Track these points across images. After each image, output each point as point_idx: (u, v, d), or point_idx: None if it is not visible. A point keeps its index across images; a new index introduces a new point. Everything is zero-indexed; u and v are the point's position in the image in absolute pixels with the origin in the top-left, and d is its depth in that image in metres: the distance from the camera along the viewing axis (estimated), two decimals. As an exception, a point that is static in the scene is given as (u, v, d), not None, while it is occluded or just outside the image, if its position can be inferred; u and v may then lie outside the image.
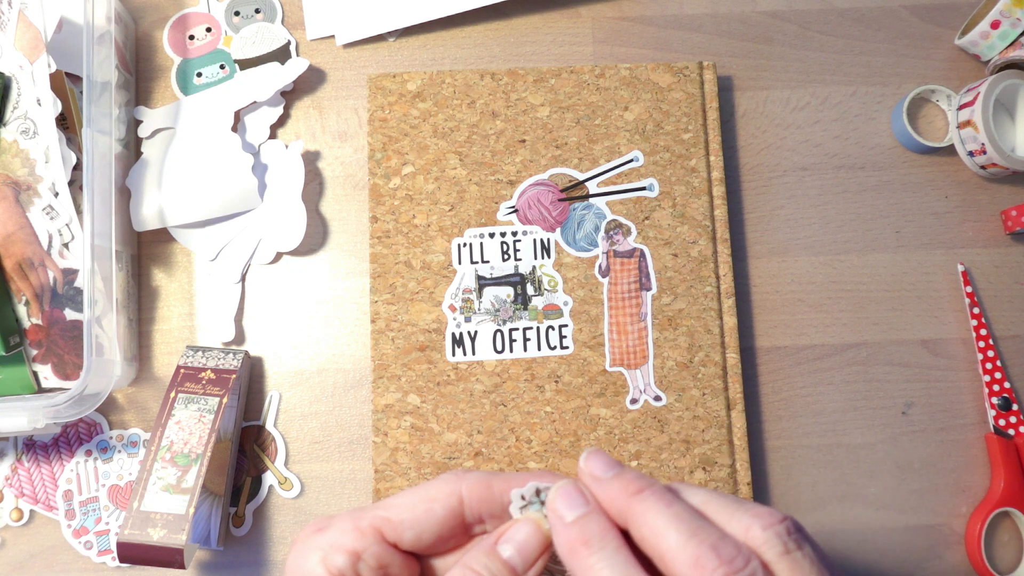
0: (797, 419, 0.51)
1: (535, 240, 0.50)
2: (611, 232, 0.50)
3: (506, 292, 0.50)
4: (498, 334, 0.49)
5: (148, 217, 0.51)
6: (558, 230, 0.50)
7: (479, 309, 0.49)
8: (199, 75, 0.55)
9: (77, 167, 0.49)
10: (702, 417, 0.48)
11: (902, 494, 0.51)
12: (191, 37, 0.55)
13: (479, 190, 0.51)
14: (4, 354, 0.48)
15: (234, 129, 0.53)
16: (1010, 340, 0.53)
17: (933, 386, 0.52)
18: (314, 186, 0.54)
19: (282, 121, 0.55)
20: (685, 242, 0.50)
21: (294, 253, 0.53)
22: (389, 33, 0.56)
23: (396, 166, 0.51)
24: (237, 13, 0.56)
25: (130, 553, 0.43)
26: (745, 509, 0.26)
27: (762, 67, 0.56)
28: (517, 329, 0.49)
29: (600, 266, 0.50)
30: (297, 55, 0.55)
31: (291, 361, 0.52)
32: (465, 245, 0.50)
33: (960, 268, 0.53)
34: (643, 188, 0.51)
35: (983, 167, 0.53)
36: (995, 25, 0.52)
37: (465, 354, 0.49)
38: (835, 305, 0.53)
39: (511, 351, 0.49)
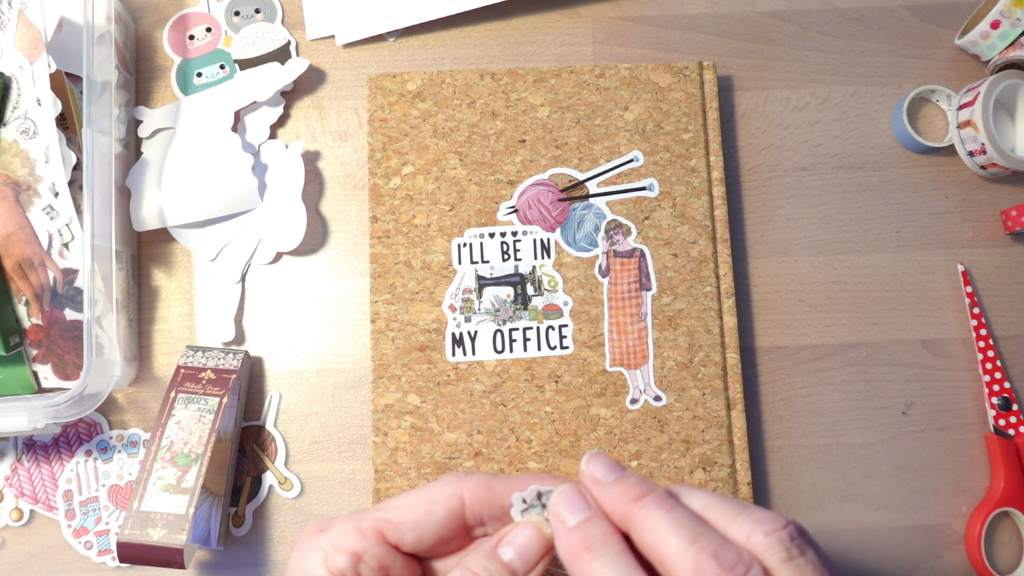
0: (797, 419, 0.51)
1: (535, 240, 0.50)
2: (611, 232, 0.50)
3: (506, 292, 0.50)
4: (498, 334, 0.49)
5: (148, 217, 0.51)
6: (558, 230, 0.50)
7: (479, 309, 0.49)
8: (199, 75, 0.55)
9: (77, 167, 0.49)
10: (702, 417, 0.48)
11: (902, 494, 0.51)
12: (191, 37, 0.55)
13: (479, 190, 0.51)
14: (4, 354, 0.48)
15: (234, 129, 0.53)
16: (1010, 340, 0.53)
17: (933, 386, 0.52)
18: (314, 186, 0.54)
19: (282, 121, 0.55)
20: (685, 242, 0.50)
21: (294, 253, 0.53)
22: (389, 33, 0.56)
23: (396, 166, 0.51)
24: (237, 13, 0.56)
25: (130, 553, 0.43)
26: (748, 514, 0.26)
27: (762, 67, 0.56)
28: (517, 329, 0.49)
29: (600, 266, 0.50)
30: (297, 55, 0.55)
31: (291, 361, 0.52)
32: (465, 245, 0.50)
33: (960, 268, 0.53)
34: (643, 188, 0.51)
35: (983, 167, 0.53)
36: (995, 25, 0.52)
37: (465, 354, 0.49)
38: (835, 305, 0.53)
39: (511, 351, 0.49)
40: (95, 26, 0.46)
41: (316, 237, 0.53)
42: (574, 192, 0.51)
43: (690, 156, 0.51)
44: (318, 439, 0.51)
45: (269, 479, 0.50)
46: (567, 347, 0.49)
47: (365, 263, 0.53)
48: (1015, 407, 0.51)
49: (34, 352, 0.50)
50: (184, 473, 0.45)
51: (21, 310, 0.49)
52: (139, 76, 0.55)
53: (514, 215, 0.51)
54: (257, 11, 0.56)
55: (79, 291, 0.49)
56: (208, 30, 0.55)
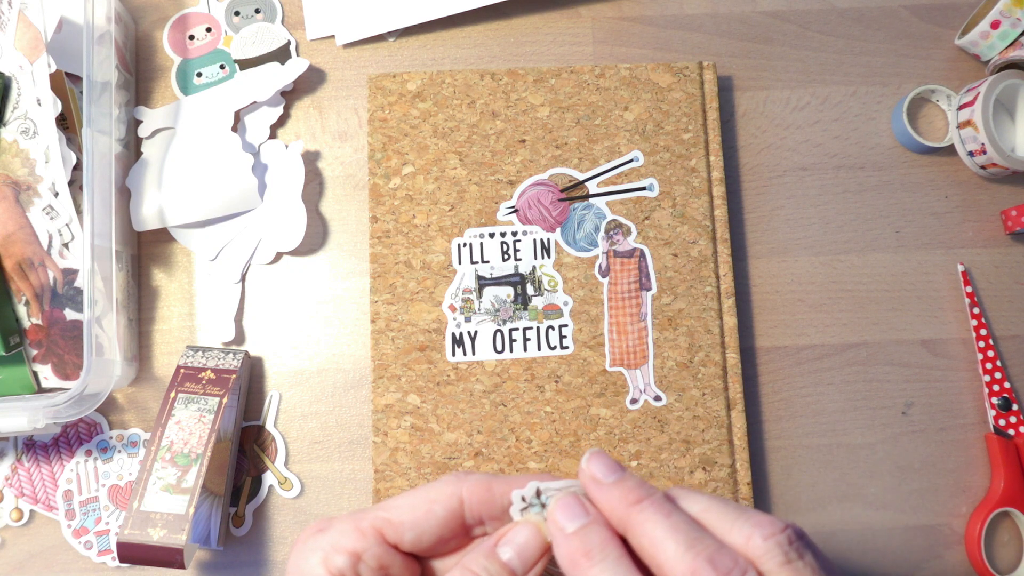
0: (797, 419, 0.51)
1: (535, 240, 0.50)
2: (611, 232, 0.50)
3: (506, 292, 0.50)
4: (498, 334, 0.49)
5: (148, 217, 0.51)
6: (558, 230, 0.50)
7: (479, 309, 0.49)
8: (199, 75, 0.55)
9: (77, 167, 0.49)
10: (702, 417, 0.48)
11: (902, 494, 0.51)
12: (191, 37, 0.55)
13: (479, 190, 0.51)
14: (4, 354, 0.48)
15: (234, 129, 0.53)
16: (1010, 340, 0.53)
17: (933, 386, 0.52)
18: (314, 186, 0.54)
19: (282, 121, 0.55)
20: (685, 242, 0.50)
21: (294, 253, 0.53)
22: (389, 33, 0.56)
23: (396, 166, 0.51)
24: (237, 13, 0.56)
25: (130, 553, 0.43)
26: (746, 518, 0.26)
27: (762, 67, 0.56)
28: (517, 329, 0.49)
29: (600, 266, 0.50)
30: (297, 55, 0.55)
31: (291, 361, 0.52)
32: (465, 245, 0.50)
33: (960, 268, 0.53)
34: (643, 188, 0.51)
35: (983, 167, 0.53)
36: (995, 25, 0.52)
37: (465, 354, 0.49)
38: (835, 305, 0.53)
39: (511, 351, 0.49)
40: (95, 26, 0.46)
41: (316, 237, 0.53)
42: (574, 192, 0.51)
43: (690, 156, 0.51)
44: (318, 439, 0.51)
45: (269, 479, 0.50)
46: (567, 347, 0.49)
47: (365, 263, 0.53)
48: (1015, 407, 0.51)
49: (34, 352, 0.50)
50: (184, 473, 0.45)
51: (21, 310, 0.49)
52: (139, 76, 0.55)
53: (514, 215, 0.51)
54: (257, 11, 0.56)
55: (79, 291, 0.49)
56: (208, 30, 0.55)
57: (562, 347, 0.49)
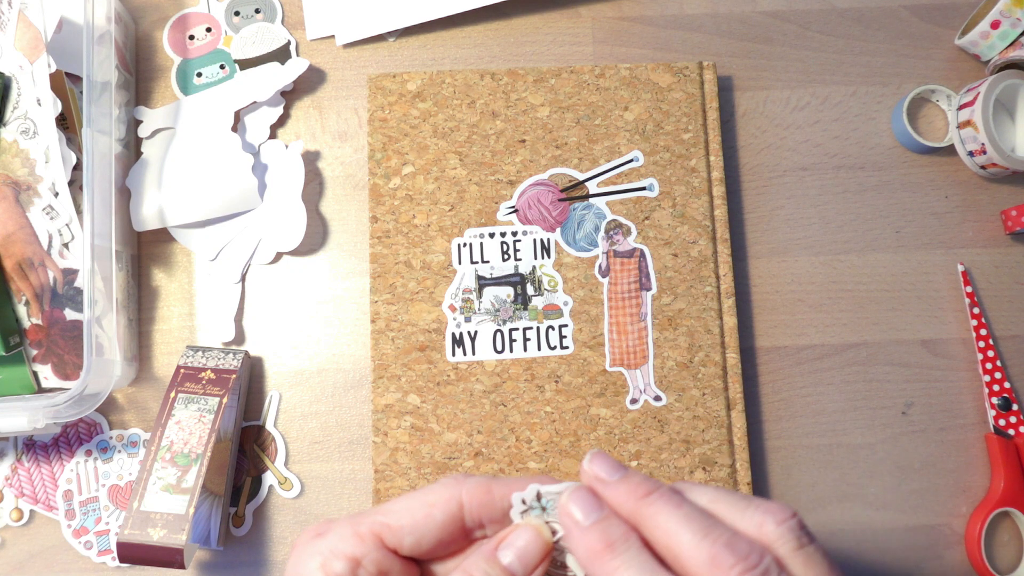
0: (797, 419, 0.51)
1: (535, 240, 0.50)
2: (611, 232, 0.50)
3: (506, 292, 0.50)
4: (498, 334, 0.49)
5: (148, 217, 0.51)
6: (558, 230, 0.50)
7: (479, 309, 0.49)
8: (199, 75, 0.55)
9: (77, 167, 0.49)
10: (702, 417, 0.48)
11: (902, 494, 0.51)
12: (191, 37, 0.55)
13: (479, 190, 0.51)
14: (4, 354, 0.48)
15: (234, 129, 0.53)
16: (1010, 340, 0.53)
17: (933, 386, 0.52)
18: (314, 186, 0.54)
19: (282, 121, 0.55)
20: (685, 242, 0.50)
21: (294, 253, 0.53)
22: (389, 33, 0.56)
23: (396, 166, 0.51)
24: (237, 13, 0.56)
25: (130, 553, 0.43)
26: (755, 506, 0.27)
27: (762, 67, 0.56)
28: (517, 329, 0.49)
29: (600, 266, 0.50)
30: (297, 55, 0.55)
31: (291, 361, 0.52)
32: (465, 245, 0.50)
33: (960, 268, 0.53)
34: (643, 188, 0.51)
35: (983, 167, 0.53)
36: (995, 25, 0.52)
37: (465, 354, 0.49)
38: (835, 305, 0.53)
39: (511, 351, 0.49)
40: (95, 26, 0.46)
41: (316, 237, 0.53)
42: (574, 192, 0.51)
43: (690, 156, 0.51)
44: (318, 439, 0.51)
45: (269, 479, 0.50)
46: (567, 347, 0.49)
47: (365, 263, 0.53)
48: (1015, 407, 0.51)
49: (34, 352, 0.50)
50: (184, 473, 0.45)
51: (21, 310, 0.49)
52: (139, 76, 0.55)
53: (514, 215, 0.51)
54: (257, 11, 0.56)
55: (79, 291, 0.49)
56: (208, 30, 0.55)
57: (562, 347, 0.49)
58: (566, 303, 0.50)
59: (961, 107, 0.53)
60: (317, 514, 0.50)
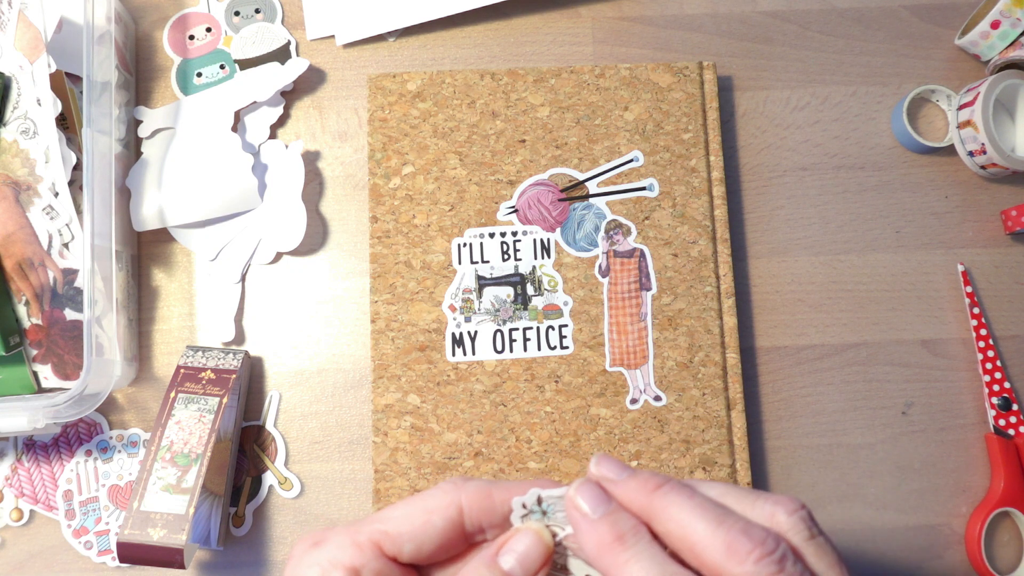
0: (797, 419, 0.51)
1: (535, 240, 0.50)
2: (611, 232, 0.50)
3: (506, 292, 0.50)
4: (498, 334, 0.49)
5: (148, 217, 0.51)
6: (558, 230, 0.50)
7: (479, 309, 0.49)
8: (199, 75, 0.55)
9: (77, 167, 0.49)
10: (702, 417, 0.48)
11: (902, 494, 0.51)
12: (191, 37, 0.55)
13: (479, 190, 0.51)
14: (4, 354, 0.48)
15: (234, 129, 0.53)
16: (1010, 340, 0.53)
17: (933, 386, 0.52)
18: (314, 186, 0.54)
19: (282, 121, 0.55)
20: (685, 242, 0.50)
21: (294, 253, 0.53)
22: (389, 33, 0.56)
23: (396, 166, 0.51)
24: (237, 13, 0.56)
25: (130, 553, 0.43)
26: (765, 498, 0.27)
27: (762, 67, 0.56)
28: (517, 329, 0.49)
29: (600, 266, 0.50)
30: (297, 55, 0.55)
31: (291, 361, 0.52)
32: (465, 245, 0.50)
33: (960, 268, 0.53)
34: (643, 188, 0.51)
35: (983, 167, 0.53)
36: (995, 25, 0.52)
37: (465, 354, 0.49)
38: (835, 305, 0.53)
39: (511, 351, 0.49)
40: (95, 26, 0.46)
41: (316, 237, 0.53)
42: (574, 192, 0.51)
43: (690, 156, 0.51)
44: (318, 439, 0.51)
45: (269, 479, 0.50)
46: (567, 347, 0.49)
47: (365, 263, 0.53)
48: (1015, 407, 0.51)
49: (34, 352, 0.50)
50: (184, 473, 0.45)
51: (21, 310, 0.49)
52: (139, 76, 0.55)
53: (514, 215, 0.51)
54: (257, 11, 0.56)
55: (79, 291, 0.49)
56: (208, 30, 0.55)
57: (562, 347, 0.49)
58: (566, 303, 0.50)
59: (961, 107, 0.53)
60: (317, 514, 0.50)
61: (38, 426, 0.43)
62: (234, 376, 0.48)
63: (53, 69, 0.48)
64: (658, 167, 0.51)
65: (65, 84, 0.50)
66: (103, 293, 0.45)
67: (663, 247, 0.50)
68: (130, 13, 0.55)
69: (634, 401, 0.49)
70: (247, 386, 0.51)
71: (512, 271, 0.50)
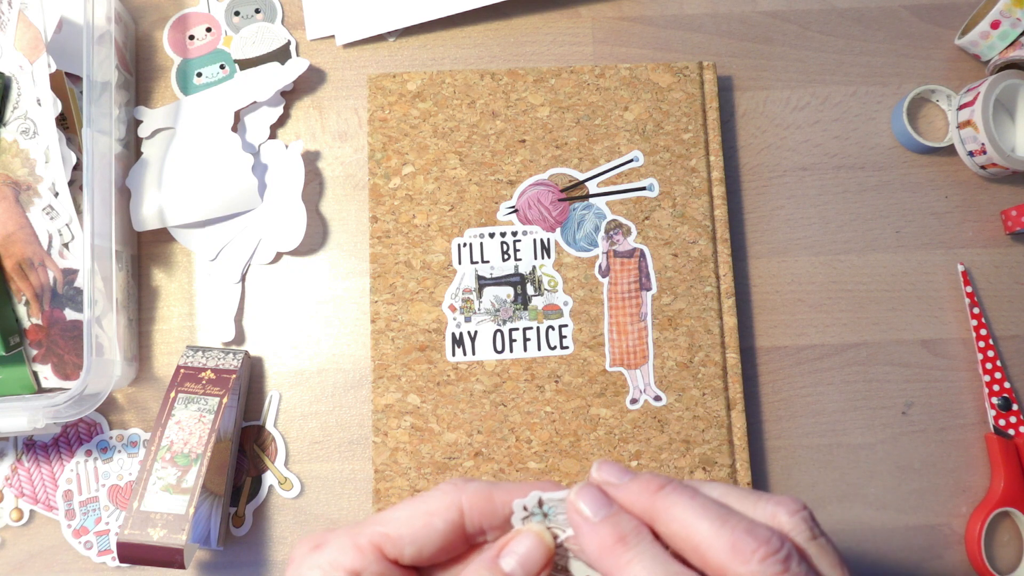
0: (797, 419, 0.51)
1: (535, 240, 0.50)
2: (611, 232, 0.50)
3: (506, 292, 0.50)
4: (498, 334, 0.49)
5: (148, 217, 0.51)
6: (558, 230, 0.50)
7: (479, 309, 0.49)
8: (199, 75, 0.55)
9: (77, 167, 0.49)
10: (702, 417, 0.48)
11: (902, 494, 0.51)
12: (191, 37, 0.55)
13: (479, 190, 0.51)
14: (4, 354, 0.48)
15: (234, 129, 0.53)
16: (1010, 340, 0.53)
17: (933, 386, 0.52)
18: (314, 186, 0.54)
19: (282, 121, 0.55)
20: (685, 242, 0.50)
21: (294, 253, 0.53)
22: (389, 33, 0.56)
23: (396, 166, 0.51)
24: (237, 13, 0.56)
25: (130, 553, 0.43)
26: (767, 499, 0.27)
27: (762, 67, 0.56)
28: (517, 329, 0.49)
29: (600, 266, 0.50)
30: (297, 55, 0.55)
31: (291, 361, 0.52)
32: (465, 245, 0.50)
33: (960, 268, 0.53)
34: (643, 188, 0.51)
35: (983, 167, 0.53)
36: (995, 25, 0.52)
37: (465, 354, 0.49)
38: (835, 305, 0.53)
39: (511, 351, 0.49)
40: (95, 26, 0.46)
41: (316, 237, 0.53)
42: (574, 192, 0.51)
43: (690, 156, 0.51)
44: (318, 439, 0.51)
45: (269, 479, 0.50)
46: (567, 347, 0.49)
47: (365, 263, 0.53)
48: (1015, 407, 0.51)
49: (34, 352, 0.50)
50: (184, 473, 0.45)
51: (21, 310, 0.49)
52: (139, 76, 0.55)
53: (514, 215, 0.51)
54: (257, 11, 0.56)
55: (79, 291, 0.49)
56: (208, 30, 0.55)
57: (562, 347, 0.49)
58: (566, 303, 0.50)
59: (961, 107, 0.53)
60: (317, 514, 0.50)
61: (38, 426, 0.43)
62: (234, 376, 0.48)
63: (53, 69, 0.48)
64: (658, 167, 0.51)
65: (65, 84, 0.50)
66: (103, 293, 0.45)
67: (663, 247, 0.50)
68: (130, 13, 0.55)
69: (634, 401, 0.49)
70: (247, 386, 0.51)
71: (512, 271, 0.50)
